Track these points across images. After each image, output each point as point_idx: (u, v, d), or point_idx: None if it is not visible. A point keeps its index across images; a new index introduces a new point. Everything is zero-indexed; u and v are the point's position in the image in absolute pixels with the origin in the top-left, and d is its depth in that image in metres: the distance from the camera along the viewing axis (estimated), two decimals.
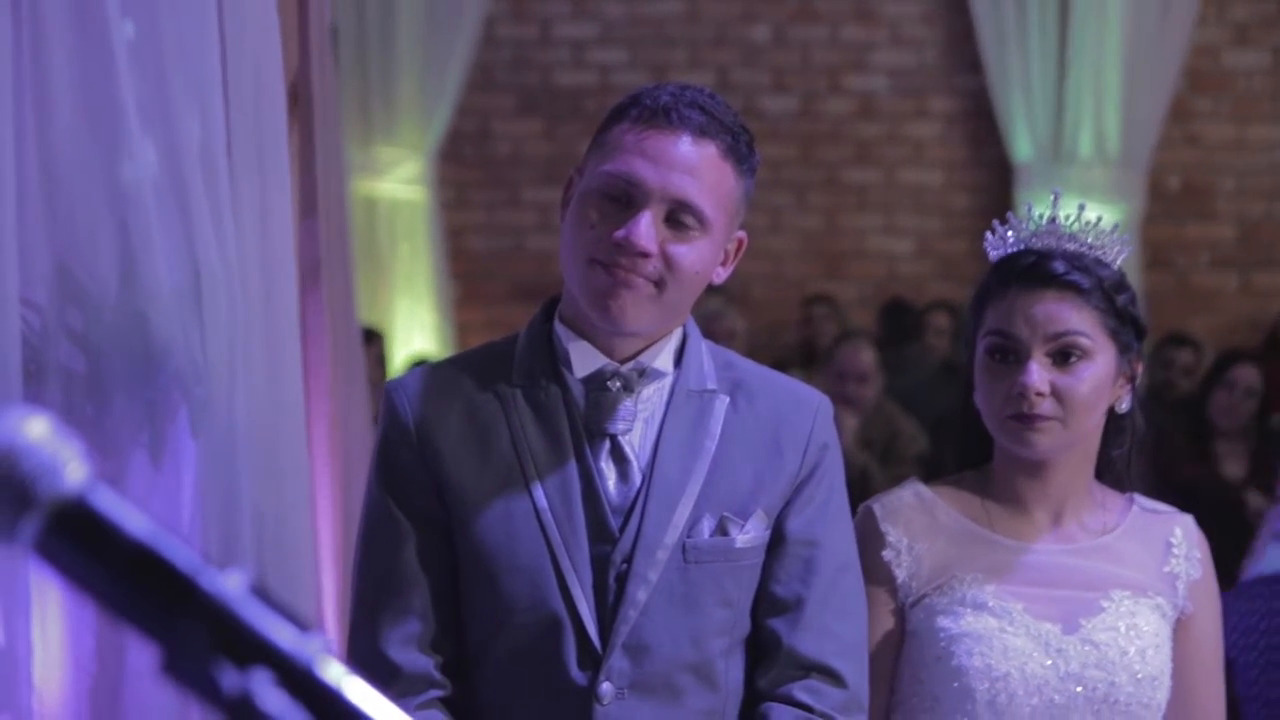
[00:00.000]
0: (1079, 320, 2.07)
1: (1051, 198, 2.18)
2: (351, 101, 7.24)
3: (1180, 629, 2.15)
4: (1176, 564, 2.17)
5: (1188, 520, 2.20)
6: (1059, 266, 2.08)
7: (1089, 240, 2.12)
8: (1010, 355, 2.09)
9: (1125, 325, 2.11)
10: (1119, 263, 2.14)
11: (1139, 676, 2.08)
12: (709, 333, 2.12)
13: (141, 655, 2.10)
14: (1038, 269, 2.08)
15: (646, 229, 1.85)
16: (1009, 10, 7.34)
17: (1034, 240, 2.13)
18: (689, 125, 1.88)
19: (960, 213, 7.74)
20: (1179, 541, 2.18)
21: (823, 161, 7.75)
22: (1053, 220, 2.13)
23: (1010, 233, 2.16)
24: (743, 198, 1.95)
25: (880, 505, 2.17)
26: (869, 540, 2.10)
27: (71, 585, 0.79)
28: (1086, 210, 2.17)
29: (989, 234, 2.19)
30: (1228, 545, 4.07)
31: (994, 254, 2.18)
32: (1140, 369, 2.17)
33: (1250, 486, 5.62)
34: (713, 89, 1.97)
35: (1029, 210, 2.18)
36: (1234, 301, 7.71)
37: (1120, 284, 2.11)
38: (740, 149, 1.92)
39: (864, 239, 7.78)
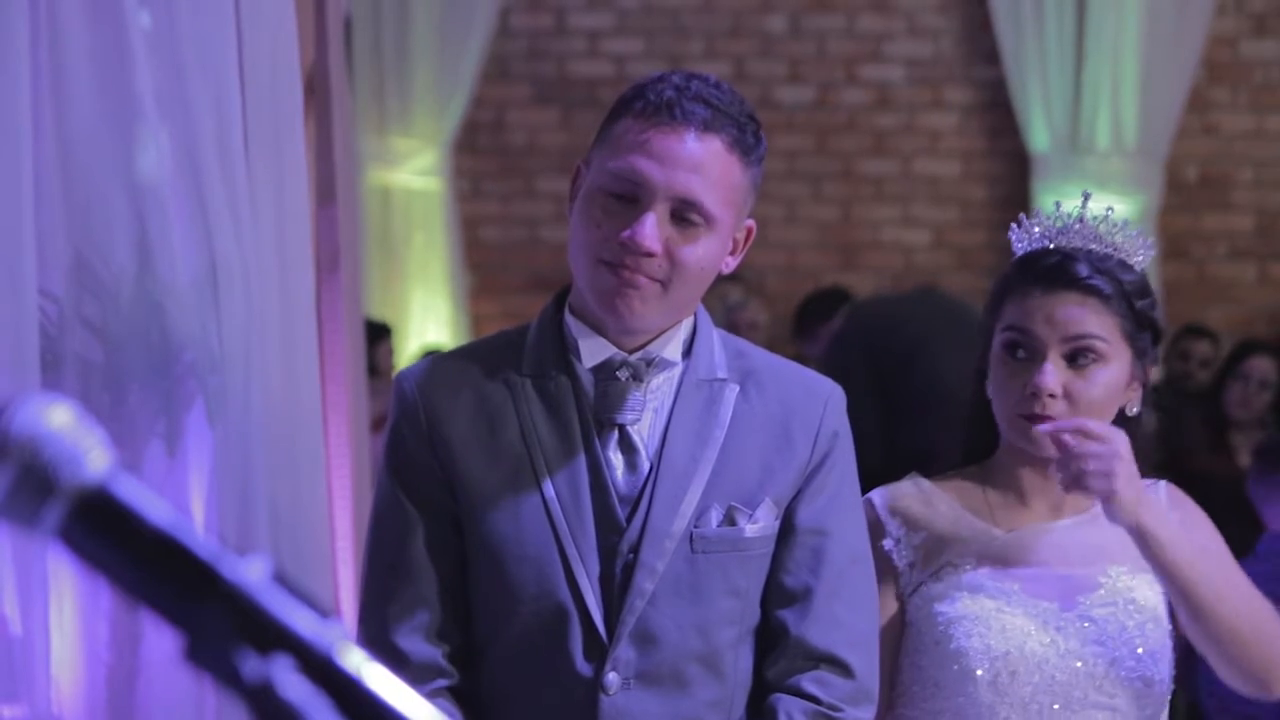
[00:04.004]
0: (1097, 324, 2.07)
1: (1081, 198, 2.18)
2: (367, 92, 7.24)
3: None
4: None
5: (1161, 486, 2.22)
6: (1082, 270, 2.08)
7: (1115, 241, 2.12)
8: (1025, 352, 2.09)
9: (1143, 330, 2.12)
10: (1143, 264, 2.15)
11: (1140, 651, 2.09)
12: (731, 324, 2.12)
13: (157, 645, 2.11)
14: (1061, 270, 2.08)
15: (651, 229, 1.85)
16: (1026, 0, 7.32)
17: (1060, 237, 2.13)
18: (693, 120, 1.87)
19: (977, 204, 7.72)
20: (1160, 502, 2.19)
21: (839, 152, 7.73)
22: (1080, 220, 2.13)
23: (1036, 227, 2.16)
24: (750, 188, 1.94)
25: (880, 496, 2.19)
26: (870, 531, 2.11)
27: (94, 573, 0.79)
28: (1114, 213, 2.18)
29: (1014, 226, 2.19)
30: (1242, 536, 4.06)
31: (1018, 247, 2.18)
32: (1152, 373, 2.18)
33: None
34: (728, 80, 1.96)
35: (1057, 207, 2.18)
36: (1252, 292, 7.68)
37: (1142, 289, 2.12)
38: (746, 140, 1.91)
39: (880, 230, 7.76)
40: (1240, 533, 4.04)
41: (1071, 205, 2.18)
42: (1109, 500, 2.02)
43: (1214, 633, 2.04)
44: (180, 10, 2.20)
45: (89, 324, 2.10)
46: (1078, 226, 2.13)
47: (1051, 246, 2.13)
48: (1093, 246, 2.12)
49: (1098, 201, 2.19)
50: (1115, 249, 2.12)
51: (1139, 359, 2.13)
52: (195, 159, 2.21)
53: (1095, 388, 2.08)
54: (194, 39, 2.22)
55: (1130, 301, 2.10)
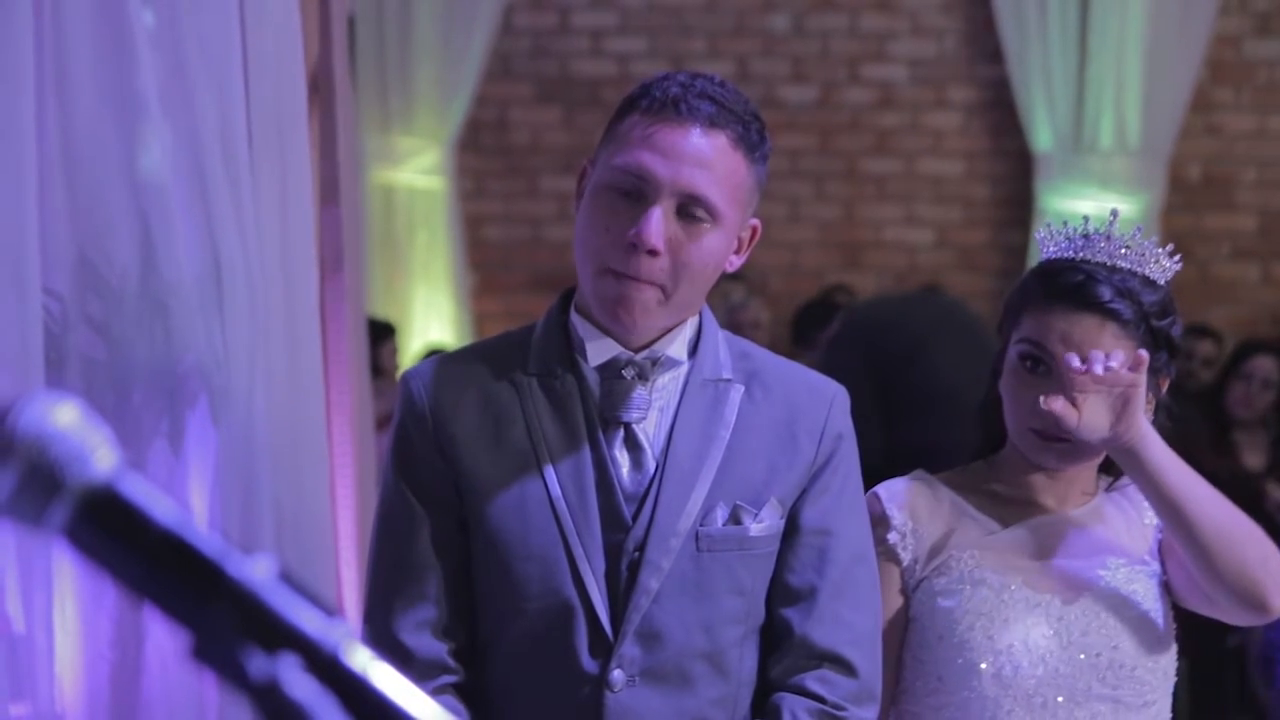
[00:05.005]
0: (1114, 347, 2.08)
1: (1110, 215, 2.19)
2: (370, 91, 7.25)
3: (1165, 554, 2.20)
4: (1149, 515, 2.21)
5: None
6: (1104, 293, 2.08)
7: (1142, 256, 2.13)
8: (1041, 367, 2.11)
9: (1160, 350, 2.12)
10: (1167, 277, 2.15)
11: (1142, 641, 2.12)
12: (733, 324, 2.13)
13: (160, 642, 2.11)
14: (1083, 291, 2.09)
15: (657, 226, 1.86)
16: (1030, 0, 7.32)
17: (1086, 249, 2.13)
18: (698, 116, 1.87)
19: (980, 203, 7.73)
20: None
21: (842, 151, 7.74)
22: (1107, 237, 2.14)
23: (1064, 236, 2.17)
24: (755, 186, 1.95)
25: (886, 490, 2.20)
26: (875, 524, 2.12)
27: (99, 571, 0.79)
28: (1143, 232, 2.19)
29: (1042, 229, 2.20)
30: None
31: (1046, 251, 2.18)
32: (1166, 385, 2.18)
33: (1270, 478, 5.61)
34: (732, 79, 1.97)
35: (1086, 221, 2.18)
36: (1255, 292, 7.68)
37: (1164, 308, 2.13)
38: (751, 138, 1.91)
39: (883, 229, 7.76)
40: None
41: (1099, 218, 2.19)
42: (1130, 425, 2.04)
43: (1208, 553, 2.05)
44: (183, 8, 2.20)
45: (93, 322, 2.10)
46: (1103, 243, 2.13)
47: (1077, 258, 2.13)
48: (1120, 263, 2.12)
49: (1100, 202, 2.19)
50: (1142, 264, 2.13)
51: (1153, 376, 2.14)
52: (199, 157, 2.21)
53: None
54: (197, 37, 2.22)
55: (1149, 323, 2.10)
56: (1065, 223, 2.20)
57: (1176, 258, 2.17)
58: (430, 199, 7.42)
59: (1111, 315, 2.09)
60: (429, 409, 1.95)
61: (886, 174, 7.75)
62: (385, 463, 2.01)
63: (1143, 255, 2.13)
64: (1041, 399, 2.06)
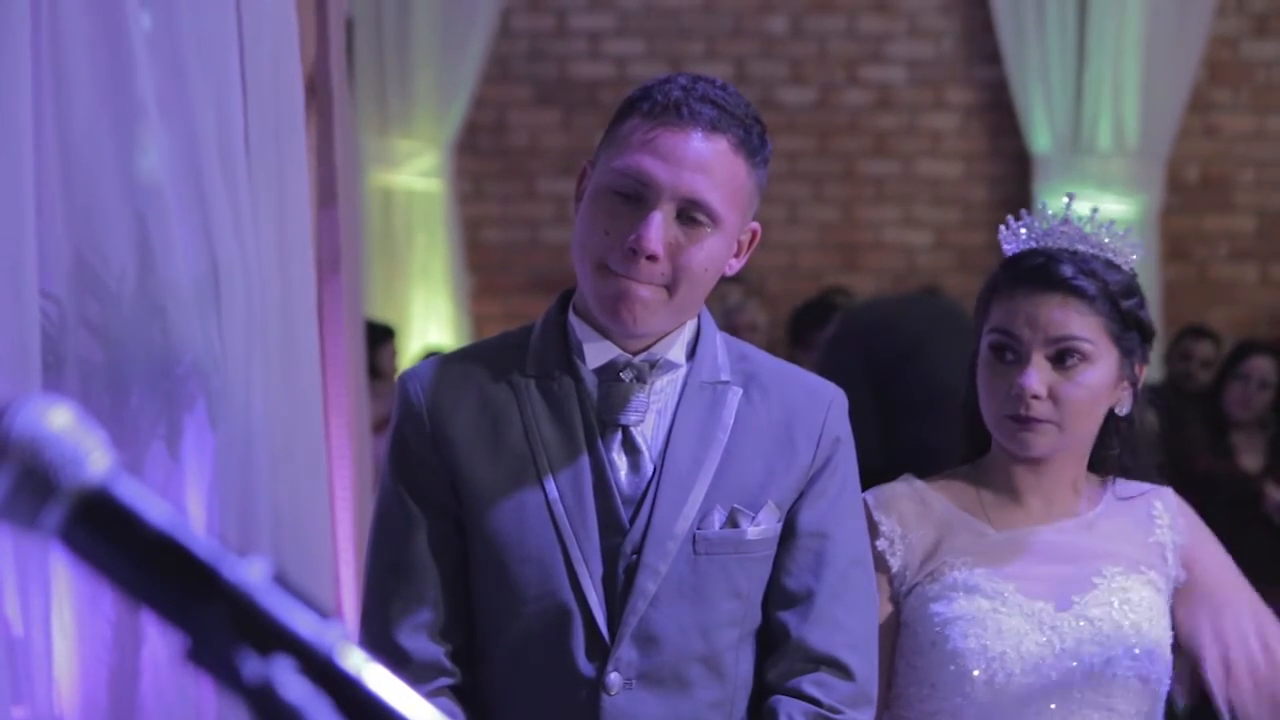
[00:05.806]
0: (1081, 326, 2.08)
1: (1066, 199, 2.19)
2: (368, 94, 7.25)
3: (1183, 592, 2.19)
4: (1161, 534, 2.20)
5: (1166, 492, 2.24)
6: (1066, 270, 2.09)
7: (1102, 241, 2.13)
8: (1011, 355, 2.11)
9: (1130, 330, 2.12)
10: (1131, 264, 2.15)
11: (1136, 650, 2.10)
12: (730, 326, 2.13)
13: (158, 646, 2.11)
14: (1045, 271, 2.09)
15: (656, 231, 1.85)
16: (1028, 1, 7.32)
17: (1047, 239, 2.14)
18: (700, 120, 1.87)
19: (978, 204, 7.72)
20: (1160, 513, 2.22)
21: (840, 153, 7.73)
22: (1065, 220, 2.14)
23: (1024, 229, 2.17)
24: (755, 190, 1.94)
25: (874, 495, 2.19)
26: None
27: (95, 574, 0.79)
28: (1100, 213, 2.18)
29: (1003, 227, 2.21)
30: (1245, 537, 4.06)
31: (1007, 248, 2.19)
32: (1143, 372, 2.19)
33: (1268, 478, 5.61)
34: (730, 81, 1.97)
35: (1044, 208, 2.19)
36: (1253, 293, 7.68)
37: (1129, 289, 2.13)
38: (752, 141, 1.91)
39: (881, 231, 7.76)
40: (1240, 533, 4.04)
41: (1058, 206, 2.19)
42: None
43: None
44: (181, 11, 2.20)
45: (90, 325, 2.10)
46: (1063, 228, 2.14)
47: (1038, 248, 2.14)
48: (1079, 247, 2.13)
49: (1098, 203, 2.20)
50: (1102, 249, 2.13)
51: (1127, 358, 2.13)
52: (196, 160, 2.21)
53: (1081, 389, 2.09)
54: (195, 40, 2.22)
55: (1115, 302, 2.10)
56: (1021, 215, 2.20)
57: (1138, 240, 2.18)
58: (428, 201, 7.41)
59: (1074, 292, 2.09)
60: (426, 410, 1.95)
61: (885, 176, 7.75)
62: (383, 465, 2.01)
63: (1103, 238, 2.14)
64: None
